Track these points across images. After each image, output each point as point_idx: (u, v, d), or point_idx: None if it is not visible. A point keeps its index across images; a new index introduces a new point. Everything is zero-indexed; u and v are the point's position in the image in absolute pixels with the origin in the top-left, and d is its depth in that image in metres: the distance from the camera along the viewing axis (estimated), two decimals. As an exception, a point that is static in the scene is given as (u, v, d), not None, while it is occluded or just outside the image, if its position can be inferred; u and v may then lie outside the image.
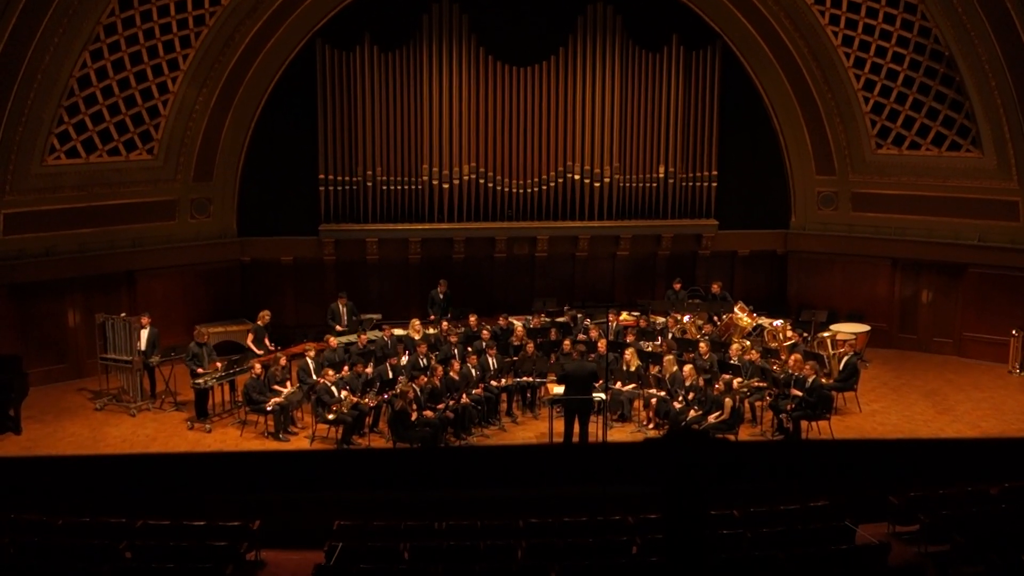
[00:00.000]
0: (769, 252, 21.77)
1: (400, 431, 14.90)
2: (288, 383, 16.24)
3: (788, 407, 15.42)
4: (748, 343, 17.22)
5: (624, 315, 19.10)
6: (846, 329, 19.08)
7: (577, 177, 20.68)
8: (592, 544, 10.40)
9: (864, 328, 19.48)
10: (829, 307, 20.52)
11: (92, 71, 17.78)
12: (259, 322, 18.05)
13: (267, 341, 17.90)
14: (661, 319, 18.96)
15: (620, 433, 15.93)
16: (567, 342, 16.99)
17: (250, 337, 18.01)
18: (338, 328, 18.31)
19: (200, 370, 16.24)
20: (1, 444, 15.48)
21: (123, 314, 17.40)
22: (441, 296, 19.57)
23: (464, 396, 15.76)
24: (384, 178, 20.24)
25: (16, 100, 16.88)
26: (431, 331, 18.00)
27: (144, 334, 16.94)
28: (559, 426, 15.24)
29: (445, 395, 15.55)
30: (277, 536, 11.26)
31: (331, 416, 15.20)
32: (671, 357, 16.45)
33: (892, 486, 11.46)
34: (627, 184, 20.90)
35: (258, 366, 16.18)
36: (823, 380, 16.03)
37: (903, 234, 20.36)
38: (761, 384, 16.09)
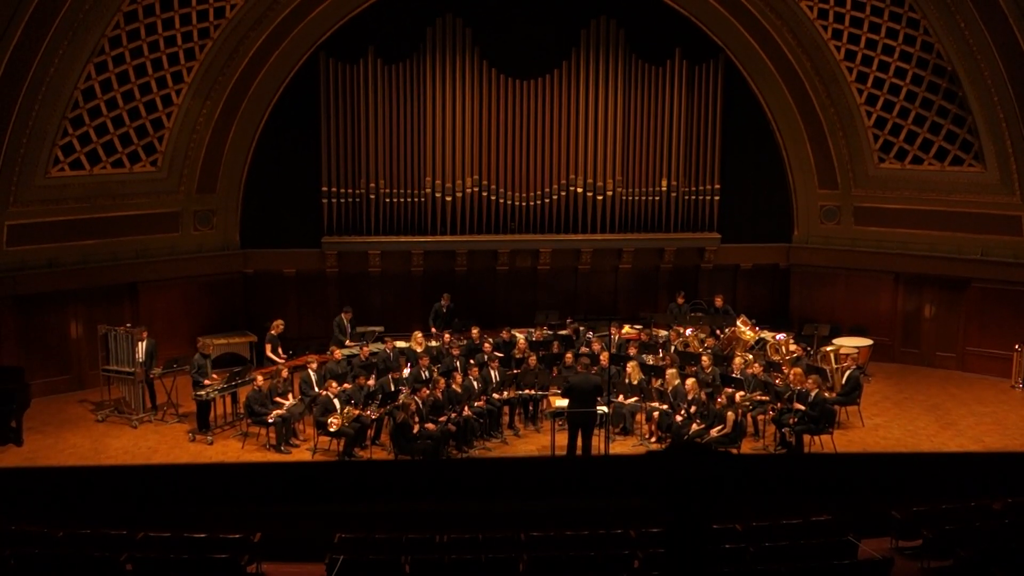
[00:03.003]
0: (772, 266, 21.77)
1: (402, 443, 14.88)
2: (290, 395, 16.24)
3: (791, 421, 15.39)
4: (751, 357, 17.20)
5: (626, 328, 19.09)
6: (849, 343, 19.05)
7: (580, 190, 20.70)
8: (594, 558, 10.37)
9: (867, 342, 19.45)
10: (832, 321, 20.49)
11: (97, 83, 17.84)
12: (273, 331, 18.06)
13: (280, 350, 17.94)
14: (663, 332, 18.95)
15: (622, 446, 15.90)
16: (569, 355, 16.97)
17: (268, 347, 18.02)
18: (348, 343, 18.30)
19: (207, 381, 16.25)
20: (2, 455, 15.47)
21: (128, 324, 17.41)
22: (444, 310, 19.57)
23: (466, 409, 15.74)
24: (387, 190, 20.27)
25: (21, 112, 16.92)
26: (433, 343, 17.99)
27: (142, 346, 16.94)
28: (561, 439, 15.22)
29: (447, 408, 15.53)
30: (278, 548, 11.23)
31: (332, 428, 15.16)
32: (673, 370, 16.43)
33: (895, 501, 11.43)
34: (630, 197, 20.92)
35: (260, 378, 16.18)
36: (826, 394, 15.99)
37: (906, 248, 20.35)
38: (764, 398, 16.06)
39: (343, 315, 18.87)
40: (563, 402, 15.14)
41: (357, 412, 15.40)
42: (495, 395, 16.45)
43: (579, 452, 14.97)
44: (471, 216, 20.47)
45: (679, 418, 15.63)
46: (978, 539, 10.63)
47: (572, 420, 15.01)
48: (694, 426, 15.37)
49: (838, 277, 21.12)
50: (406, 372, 16.73)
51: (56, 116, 17.48)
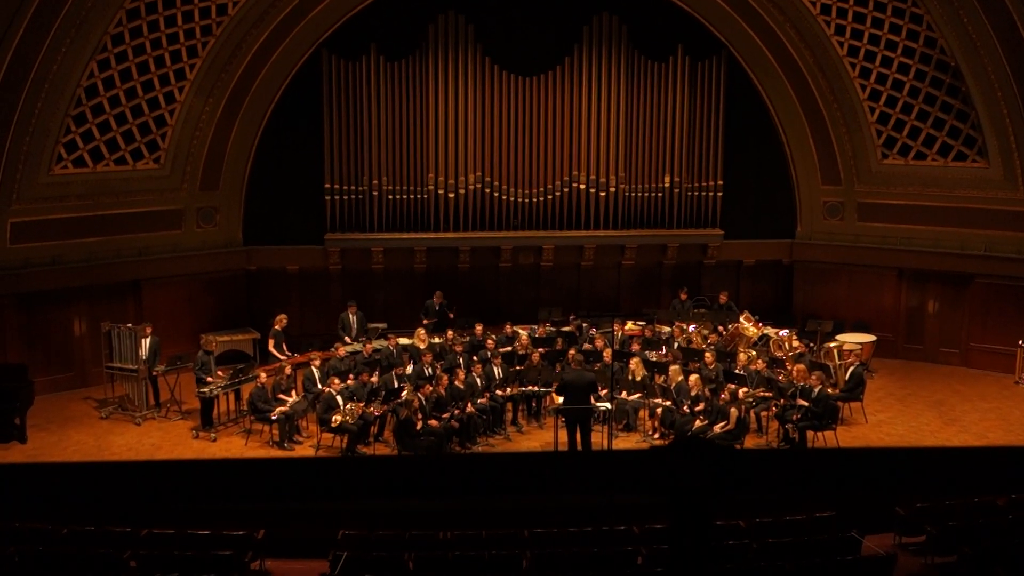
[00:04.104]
0: (775, 262, 21.74)
1: (405, 440, 14.89)
2: (293, 392, 16.25)
3: (794, 417, 15.38)
4: (754, 353, 17.18)
5: (629, 324, 19.08)
6: (852, 339, 19.03)
7: (582, 187, 20.68)
8: (597, 554, 10.37)
9: (870, 338, 19.44)
10: (835, 317, 20.47)
11: (99, 81, 17.85)
12: (277, 326, 18.06)
13: (284, 347, 17.94)
14: (666, 329, 18.93)
15: (625, 442, 15.90)
16: (572, 351, 16.97)
17: (271, 343, 18.02)
18: (347, 340, 18.29)
19: (210, 379, 16.26)
20: (6, 452, 15.49)
21: (129, 325, 17.43)
22: (437, 307, 19.57)
23: (469, 405, 15.75)
24: (390, 187, 20.27)
25: (24, 109, 16.94)
26: (436, 340, 18.00)
27: (145, 343, 16.96)
28: (564, 436, 15.22)
29: (450, 404, 15.54)
30: (281, 545, 11.25)
31: (334, 424, 15.14)
32: (676, 367, 16.43)
33: (899, 497, 11.42)
34: (632, 194, 20.91)
35: (263, 375, 16.19)
36: (829, 390, 15.98)
37: (909, 244, 20.33)
38: (767, 394, 16.05)
39: (348, 311, 18.86)
40: (560, 399, 15.16)
41: (360, 408, 15.41)
42: (498, 391, 16.46)
43: (579, 448, 14.97)
44: (474, 213, 20.46)
45: (682, 414, 15.62)
46: (982, 535, 10.63)
47: (568, 417, 15.03)
48: (697, 422, 15.36)
49: (841, 273, 21.09)
50: (409, 368, 16.74)
51: (59, 113, 17.49)
